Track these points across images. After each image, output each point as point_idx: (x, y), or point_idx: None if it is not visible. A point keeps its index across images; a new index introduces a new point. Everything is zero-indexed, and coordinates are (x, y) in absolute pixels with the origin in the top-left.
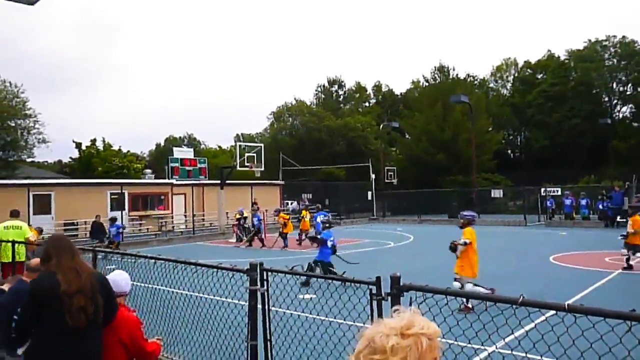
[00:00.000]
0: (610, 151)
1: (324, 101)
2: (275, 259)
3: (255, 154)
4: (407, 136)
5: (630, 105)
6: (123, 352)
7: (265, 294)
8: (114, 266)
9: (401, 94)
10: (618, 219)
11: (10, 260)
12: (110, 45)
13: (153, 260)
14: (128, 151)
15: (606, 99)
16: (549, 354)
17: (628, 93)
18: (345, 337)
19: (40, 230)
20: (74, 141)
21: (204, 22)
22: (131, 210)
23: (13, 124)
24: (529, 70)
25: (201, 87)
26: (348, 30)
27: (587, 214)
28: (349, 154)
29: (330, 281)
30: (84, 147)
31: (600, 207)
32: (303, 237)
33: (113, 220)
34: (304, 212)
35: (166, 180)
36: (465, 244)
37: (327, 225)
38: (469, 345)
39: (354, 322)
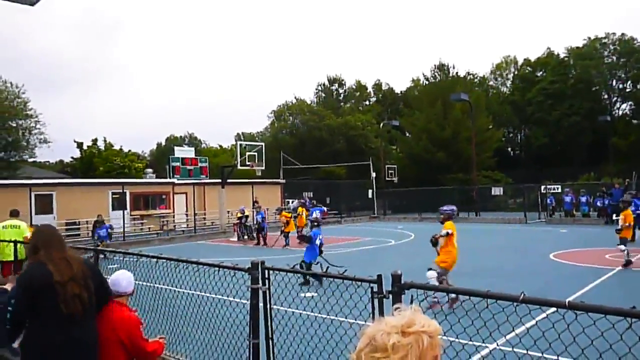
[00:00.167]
0: (610, 148)
1: (325, 100)
2: (277, 257)
3: (256, 153)
4: (407, 134)
5: (629, 103)
6: (122, 352)
7: (267, 292)
8: (116, 265)
9: (401, 92)
10: (614, 217)
11: (9, 259)
12: (111, 45)
13: (155, 260)
14: (129, 151)
15: (606, 96)
16: (550, 351)
17: (627, 90)
18: (346, 335)
19: None
20: (75, 141)
21: (204, 22)
22: (133, 209)
23: (14, 125)
24: (528, 68)
25: (202, 86)
26: (348, 28)
27: (587, 211)
28: (349, 152)
29: (331, 279)
30: (85, 147)
31: (599, 204)
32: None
33: (101, 222)
34: (300, 208)
35: (167, 180)
36: (447, 234)
37: (316, 224)
38: (470, 342)
39: (355, 320)
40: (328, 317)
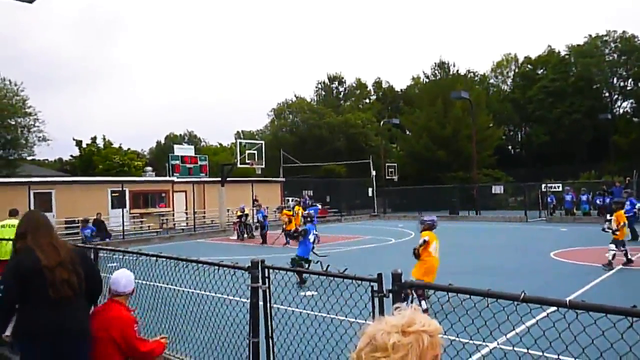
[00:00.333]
0: (611, 146)
1: (325, 98)
2: (277, 256)
3: (255, 151)
4: (407, 132)
5: (630, 101)
6: (116, 350)
7: (267, 291)
8: (115, 264)
9: (401, 90)
10: (607, 216)
11: (7, 258)
12: (111, 43)
13: (154, 258)
14: (129, 149)
15: (607, 94)
16: (550, 350)
17: (628, 88)
18: (346, 334)
19: None
20: (74, 139)
21: (204, 20)
22: (132, 207)
23: (13, 123)
24: (529, 65)
25: (202, 84)
26: (348, 26)
27: (587, 210)
28: (349, 150)
29: (331, 278)
30: (84, 145)
31: (598, 202)
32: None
33: (85, 222)
34: (296, 207)
35: (167, 178)
36: (424, 242)
37: (309, 219)
38: (471, 341)
39: (355, 319)
40: (328, 316)
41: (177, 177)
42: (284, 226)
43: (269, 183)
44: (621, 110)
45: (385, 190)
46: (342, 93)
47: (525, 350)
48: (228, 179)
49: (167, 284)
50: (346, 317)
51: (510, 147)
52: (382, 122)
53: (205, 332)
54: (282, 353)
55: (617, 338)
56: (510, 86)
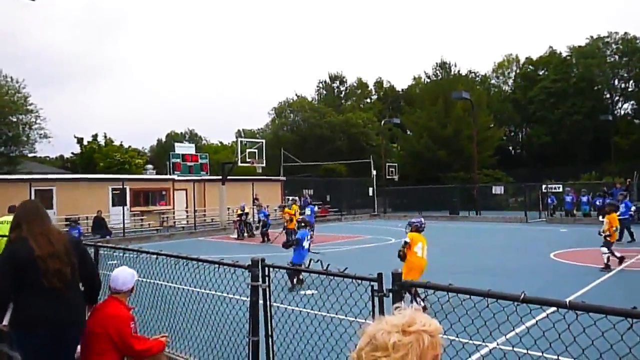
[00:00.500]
0: (612, 148)
1: (325, 97)
2: (277, 254)
3: (256, 150)
4: (408, 132)
5: (631, 102)
6: (112, 347)
7: (267, 289)
8: (115, 261)
9: (402, 90)
10: (600, 218)
11: None
12: (112, 41)
13: (154, 256)
14: (129, 146)
15: (608, 95)
16: (550, 350)
17: (630, 90)
18: (346, 333)
19: None
20: (75, 136)
21: (205, 18)
22: (133, 205)
23: (15, 120)
24: (530, 66)
25: (203, 82)
26: (349, 25)
27: (587, 211)
28: (350, 150)
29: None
30: (85, 143)
31: (597, 203)
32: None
33: (74, 222)
34: (294, 206)
35: (168, 176)
36: (405, 243)
37: (303, 224)
38: (470, 341)
39: (355, 318)
40: (328, 315)
41: (178, 175)
42: (285, 224)
43: (270, 182)
44: (622, 112)
45: (385, 190)
46: (343, 92)
47: (525, 351)
48: (229, 177)
49: (168, 282)
50: (346, 316)
51: (510, 148)
52: (383, 122)
53: (205, 330)
54: (281, 352)
55: (617, 339)
56: (511, 87)
